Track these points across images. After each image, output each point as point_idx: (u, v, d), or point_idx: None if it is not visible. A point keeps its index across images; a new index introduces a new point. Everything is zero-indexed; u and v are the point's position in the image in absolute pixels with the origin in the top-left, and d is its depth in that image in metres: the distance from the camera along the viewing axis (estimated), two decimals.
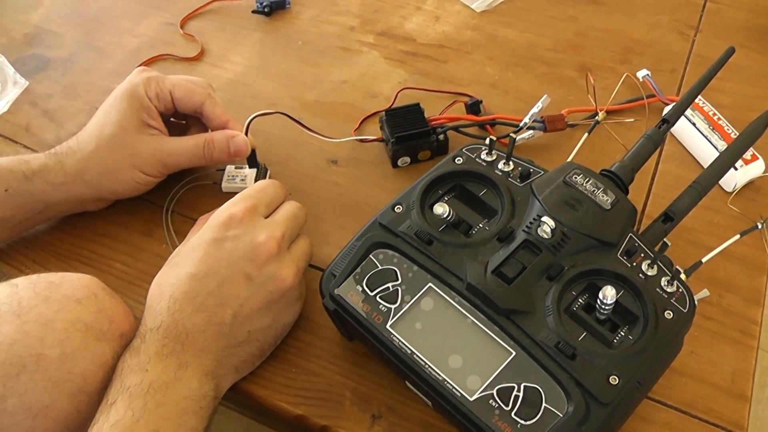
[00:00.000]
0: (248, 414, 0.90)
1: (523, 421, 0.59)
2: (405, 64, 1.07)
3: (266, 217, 0.72)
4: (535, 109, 0.87)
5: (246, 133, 0.86)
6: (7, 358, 0.59)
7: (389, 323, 0.64)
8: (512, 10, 1.16)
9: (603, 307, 0.62)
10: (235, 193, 0.75)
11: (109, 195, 0.85)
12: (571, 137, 0.94)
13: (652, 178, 0.90)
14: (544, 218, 0.65)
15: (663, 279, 0.65)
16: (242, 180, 0.88)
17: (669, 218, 0.70)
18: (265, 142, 0.87)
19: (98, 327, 0.64)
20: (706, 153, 0.90)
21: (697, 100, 0.90)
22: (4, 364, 0.59)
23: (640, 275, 0.65)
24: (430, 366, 0.62)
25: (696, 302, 0.65)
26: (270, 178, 0.90)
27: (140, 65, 1.07)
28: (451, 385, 0.61)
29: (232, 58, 1.10)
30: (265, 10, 1.16)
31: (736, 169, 0.86)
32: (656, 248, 0.67)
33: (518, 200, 0.69)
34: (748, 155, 0.86)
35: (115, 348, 0.65)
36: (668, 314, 0.63)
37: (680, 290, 0.65)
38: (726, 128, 0.90)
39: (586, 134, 0.82)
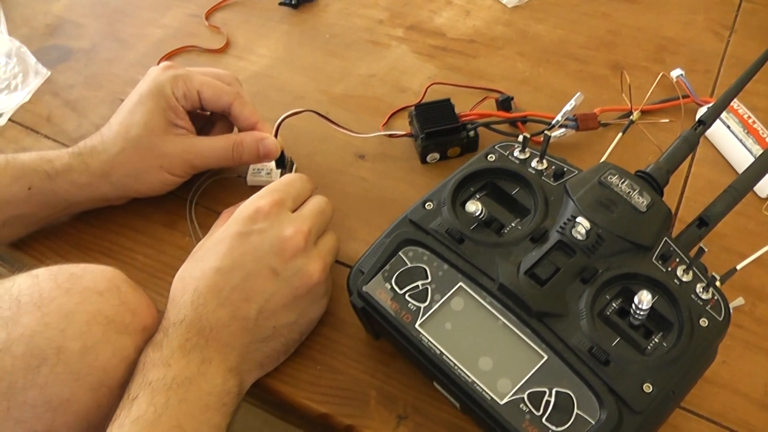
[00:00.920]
0: (267, 409, 0.89)
1: (554, 427, 0.57)
2: (434, 59, 1.06)
3: (293, 212, 0.71)
4: (567, 107, 0.85)
5: (275, 135, 0.85)
6: (27, 350, 0.59)
7: (418, 322, 0.63)
8: (544, 6, 1.14)
9: (638, 312, 0.60)
10: (260, 187, 0.73)
11: (134, 194, 0.84)
12: (603, 137, 0.93)
13: (685, 182, 0.89)
14: (579, 219, 0.63)
15: (698, 285, 0.63)
16: (268, 173, 0.87)
17: (704, 223, 0.68)
18: (291, 136, 0.86)
19: (120, 320, 0.63)
20: (740, 157, 0.88)
21: (731, 103, 0.89)
22: (24, 355, 0.58)
23: (675, 281, 0.63)
24: (459, 367, 0.60)
25: (731, 310, 0.63)
26: (296, 171, 0.89)
27: (164, 57, 1.07)
28: (480, 387, 0.59)
29: (258, 50, 1.09)
30: (293, 2, 1.15)
31: None
32: (691, 253, 0.65)
33: (552, 200, 0.68)
34: None
35: (138, 341, 0.64)
36: (703, 322, 0.61)
37: (715, 297, 0.63)
38: (761, 132, 0.88)
39: (621, 134, 0.80)
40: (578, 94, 0.87)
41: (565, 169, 0.70)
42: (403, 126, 0.95)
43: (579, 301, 0.62)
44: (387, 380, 0.72)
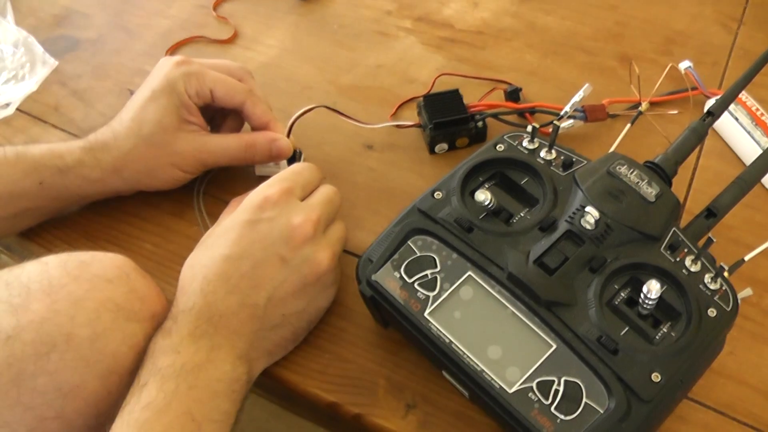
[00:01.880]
0: (274, 400, 0.90)
1: (562, 416, 0.57)
2: (443, 50, 1.06)
3: (302, 201, 0.71)
4: (576, 98, 0.85)
5: (288, 135, 0.85)
6: (37, 337, 0.59)
7: (427, 311, 0.63)
8: None
9: (647, 301, 0.60)
10: (268, 177, 0.73)
11: (144, 188, 0.84)
12: (611, 128, 0.93)
13: (693, 174, 0.89)
14: (588, 208, 0.63)
15: (707, 276, 0.63)
16: (276, 164, 0.87)
17: (712, 214, 0.68)
18: (299, 126, 0.86)
19: (129, 307, 0.63)
20: (748, 149, 0.88)
21: (739, 95, 0.89)
22: (34, 342, 0.59)
23: (684, 271, 0.63)
24: (468, 356, 0.61)
25: (739, 301, 0.63)
26: (304, 161, 0.89)
27: (172, 47, 1.06)
28: (489, 376, 0.60)
29: (265, 41, 1.09)
30: None
31: None
32: (699, 244, 0.65)
33: (560, 189, 0.68)
34: None
35: (147, 329, 0.64)
36: (711, 312, 0.61)
37: (723, 288, 0.63)
38: None
39: (629, 125, 0.80)
40: (587, 85, 0.87)
41: (573, 159, 0.70)
42: (411, 116, 0.95)
43: (588, 291, 0.62)
44: (395, 369, 0.72)
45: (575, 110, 0.89)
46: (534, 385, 0.59)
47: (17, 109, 1.00)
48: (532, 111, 0.93)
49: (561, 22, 1.10)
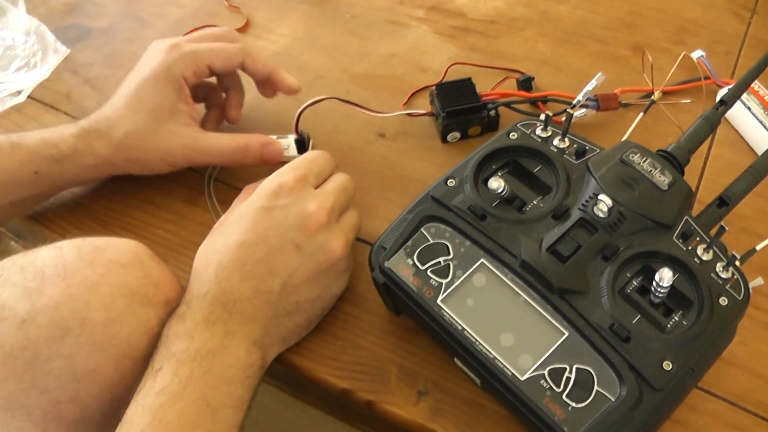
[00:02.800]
0: (284, 388, 0.90)
1: (574, 404, 0.57)
2: (455, 39, 1.06)
3: (316, 188, 0.72)
4: (589, 87, 0.85)
5: (296, 124, 0.86)
6: (52, 321, 0.59)
7: (440, 298, 0.63)
8: None
9: (659, 290, 0.60)
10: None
11: (140, 175, 0.84)
12: (624, 117, 0.92)
13: (705, 162, 0.88)
14: (601, 196, 0.63)
15: (718, 264, 0.63)
16: (285, 150, 0.87)
17: (724, 203, 0.68)
18: (312, 114, 0.86)
19: (143, 292, 0.64)
20: (761, 138, 0.88)
21: (752, 84, 0.88)
22: (49, 326, 0.59)
23: (696, 259, 0.63)
24: (480, 343, 0.61)
25: (750, 290, 0.63)
26: (312, 146, 0.89)
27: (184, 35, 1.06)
28: (501, 363, 0.60)
29: (278, 30, 1.09)
30: None
31: None
32: (711, 233, 0.65)
33: (573, 178, 0.68)
34: None
35: (161, 314, 0.64)
36: (723, 301, 0.61)
37: (735, 277, 0.63)
38: None
39: (642, 113, 0.80)
40: (599, 74, 0.86)
41: (587, 148, 0.70)
42: (423, 105, 0.95)
43: (600, 279, 0.62)
44: (408, 356, 0.72)
45: (588, 99, 0.89)
46: (546, 372, 0.59)
47: (29, 96, 1.00)
48: (545, 100, 0.93)
49: (573, 11, 1.10)
